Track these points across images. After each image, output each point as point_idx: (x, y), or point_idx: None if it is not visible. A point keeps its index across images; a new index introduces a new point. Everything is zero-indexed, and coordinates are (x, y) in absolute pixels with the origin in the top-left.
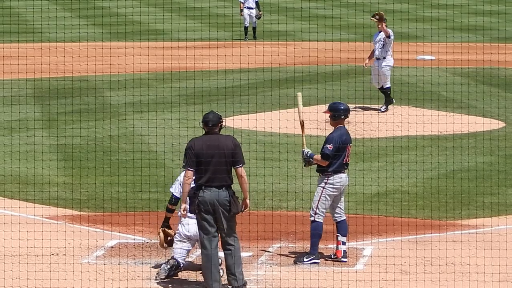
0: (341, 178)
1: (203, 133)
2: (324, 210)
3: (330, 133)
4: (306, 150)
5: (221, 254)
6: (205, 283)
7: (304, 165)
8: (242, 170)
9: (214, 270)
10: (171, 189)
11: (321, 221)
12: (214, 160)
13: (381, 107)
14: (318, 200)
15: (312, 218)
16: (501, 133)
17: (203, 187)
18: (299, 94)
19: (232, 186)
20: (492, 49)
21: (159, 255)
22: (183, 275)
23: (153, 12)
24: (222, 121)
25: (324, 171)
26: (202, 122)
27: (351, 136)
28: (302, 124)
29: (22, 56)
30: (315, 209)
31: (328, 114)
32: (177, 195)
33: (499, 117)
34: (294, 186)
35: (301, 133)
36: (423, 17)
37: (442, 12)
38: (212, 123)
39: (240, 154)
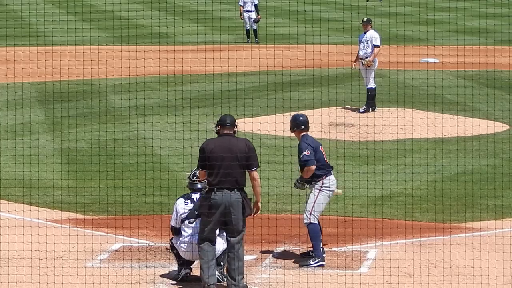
0: (334, 180)
1: (217, 136)
2: (319, 213)
3: (299, 144)
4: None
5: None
6: (202, 280)
7: (297, 187)
8: (255, 173)
9: (210, 264)
10: (171, 223)
11: (316, 222)
12: (225, 162)
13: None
14: (314, 202)
15: (307, 221)
16: (505, 136)
17: (215, 189)
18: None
19: (244, 188)
20: (496, 51)
21: (163, 258)
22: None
23: (156, 15)
24: (237, 125)
25: (316, 176)
26: (217, 123)
27: (356, 139)
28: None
29: (26, 59)
30: (310, 210)
31: (294, 134)
32: (176, 226)
33: (503, 119)
34: (298, 189)
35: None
36: (427, 20)
37: (445, 15)
38: (229, 122)
39: (254, 157)
